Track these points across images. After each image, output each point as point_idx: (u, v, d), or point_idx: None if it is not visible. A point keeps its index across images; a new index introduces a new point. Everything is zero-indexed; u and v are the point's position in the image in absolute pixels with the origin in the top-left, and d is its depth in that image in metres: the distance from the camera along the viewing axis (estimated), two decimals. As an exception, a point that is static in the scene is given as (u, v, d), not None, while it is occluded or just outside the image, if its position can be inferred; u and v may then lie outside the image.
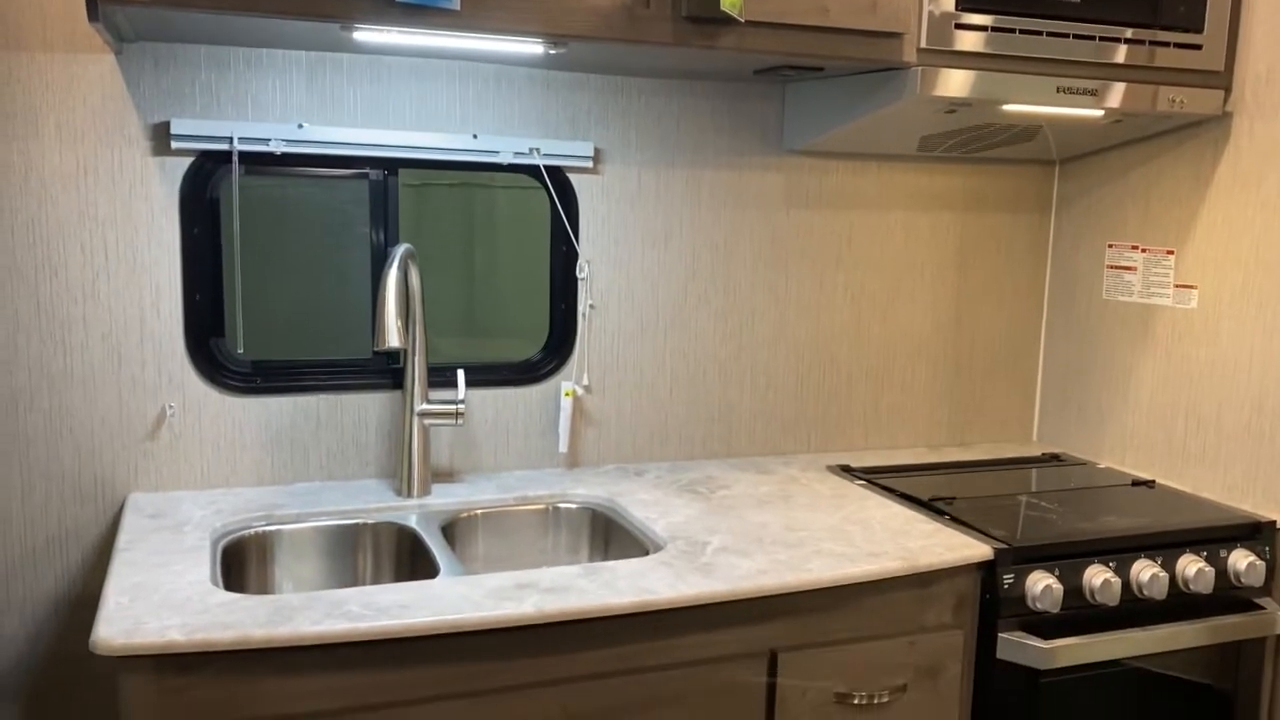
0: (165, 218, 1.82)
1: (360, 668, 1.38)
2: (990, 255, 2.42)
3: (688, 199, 2.15)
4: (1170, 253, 2.15)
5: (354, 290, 2.00)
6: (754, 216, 2.21)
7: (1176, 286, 2.14)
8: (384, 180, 1.96)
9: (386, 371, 2.00)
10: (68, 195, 1.77)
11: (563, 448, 2.11)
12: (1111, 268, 2.29)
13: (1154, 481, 2.16)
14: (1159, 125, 2.11)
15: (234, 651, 1.32)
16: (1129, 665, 1.84)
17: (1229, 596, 1.89)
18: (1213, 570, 1.84)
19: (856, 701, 1.64)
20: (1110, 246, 2.29)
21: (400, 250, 1.79)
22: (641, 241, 2.13)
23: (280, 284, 1.96)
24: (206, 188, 1.85)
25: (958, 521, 1.85)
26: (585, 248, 2.09)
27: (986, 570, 1.74)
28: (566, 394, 2.10)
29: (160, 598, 1.41)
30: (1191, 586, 1.84)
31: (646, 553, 1.72)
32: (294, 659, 1.35)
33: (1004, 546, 1.74)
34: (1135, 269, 2.23)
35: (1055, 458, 2.36)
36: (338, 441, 1.97)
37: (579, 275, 2.10)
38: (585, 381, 2.14)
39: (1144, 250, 2.21)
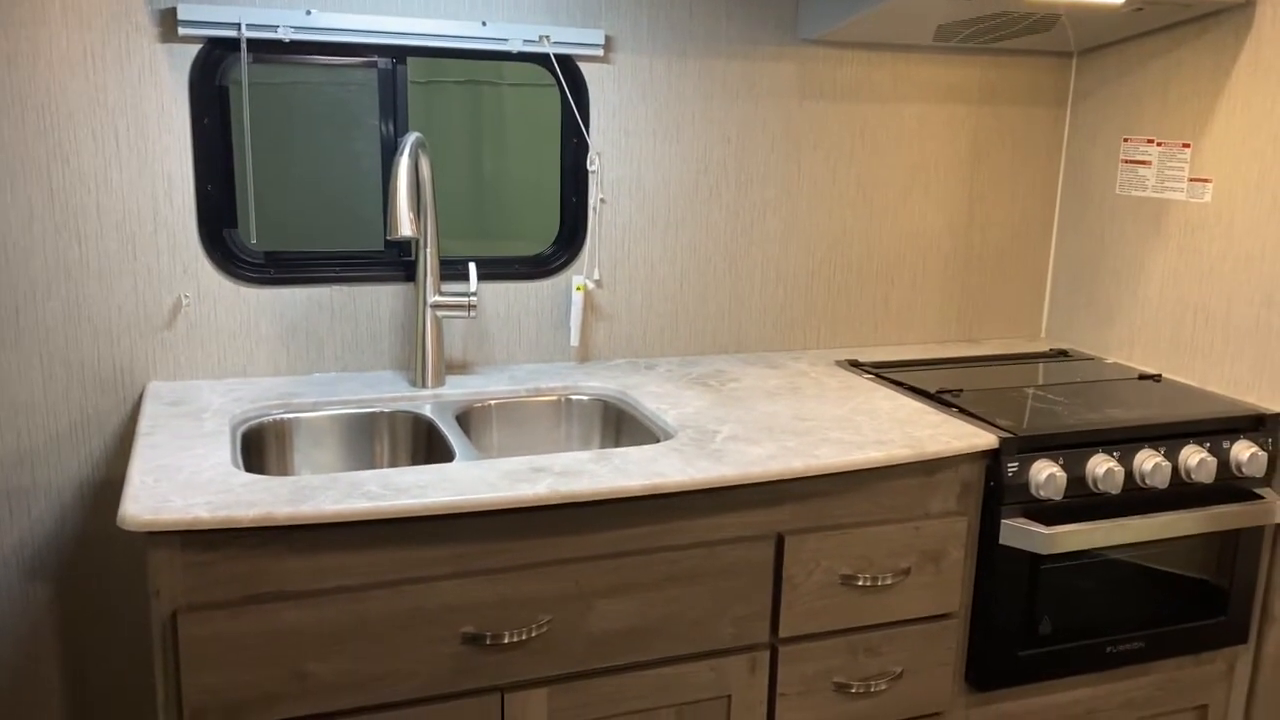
0: (175, 106, 1.81)
1: (380, 546, 1.42)
2: (1004, 150, 2.40)
3: (700, 89, 2.13)
4: (1186, 146, 2.13)
5: (365, 182, 2.00)
6: (767, 108, 2.19)
7: (1191, 180, 2.13)
8: (393, 69, 1.94)
9: (399, 264, 2.01)
10: (76, 82, 1.76)
11: (574, 341, 2.13)
12: (1126, 162, 2.27)
13: (1160, 375, 2.18)
14: (1180, 14, 2.07)
15: (258, 529, 1.36)
16: (1127, 557, 1.88)
17: (1230, 487, 1.92)
18: (1215, 460, 1.86)
19: (861, 583, 1.69)
20: (1126, 140, 2.27)
21: (411, 139, 1.78)
22: (653, 133, 2.12)
23: (292, 175, 1.95)
24: (215, 76, 1.84)
25: (964, 412, 1.87)
26: (595, 139, 2.08)
27: (991, 459, 1.77)
28: (577, 288, 2.11)
29: (184, 478, 1.44)
30: (1193, 476, 1.86)
31: (658, 441, 1.75)
32: (316, 536, 1.39)
33: (1009, 435, 1.76)
34: (1150, 163, 2.21)
35: (1063, 353, 2.37)
36: (352, 333, 1.99)
37: (589, 168, 2.09)
38: (596, 276, 2.14)
39: (1160, 144, 2.19)
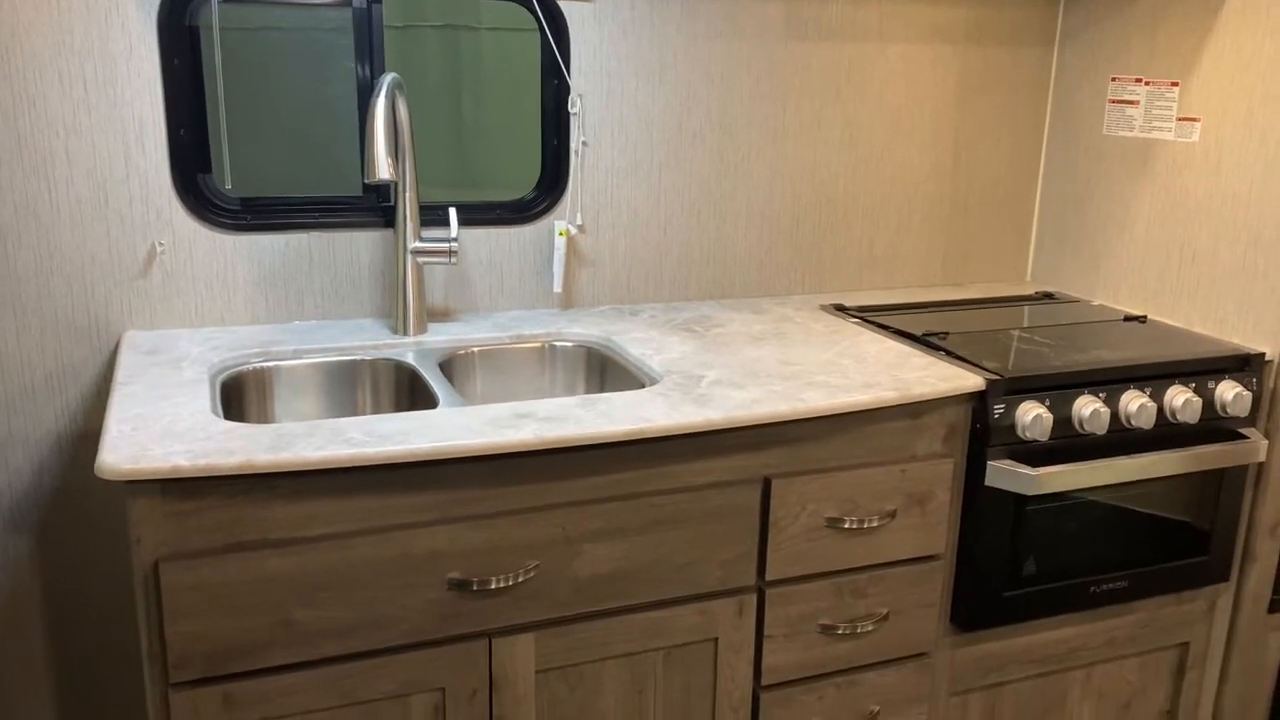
0: (144, 47, 1.76)
1: (364, 493, 1.41)
2: (991, 91, 2.37)
3: (683, 28, 2.09)
4: (1175, 85, 2.11)
5: (342, 126, 1.96)
6: (752, 48, 2.15)
7: (1179, 120, 2.11)
8: (368, 8, 1.89)
9: (378, 209, 1.97)
10: (40, 21, 1.70)
11: (557, 288, 2.10)
12: (1114, 102, 2.25)
13: (1146, 317, 2.17)
14: (1171, -51, 2.04)
15: (238, 476, 1.34)
16: (1112, 498, 1.89)
17: (1214, 427, 1.92)
18: (1200, 400, 1.87)
19: (847, 525, 1.69)
20: (1113, 80, 2.24)
21: (387, 80, 1.74)
22: (635, 74, 2.08)
23: (267, 120, 1.91)
24: (185, 15, 1.79)
25: (951, 355, 1.87)
26: (577, 81, 2.04)
27: (978, 401, 1.76)
28: (560, 234, 2.08)
29: (163, 427, 1.42)
30: (1178, 416, 1.87)
31: (643, 387, 1.74)
32: (299, 484, 1.38)
33: (996, 377, 1.76)
34: (1138, 103, 2.19)
35: (1049, 296, 2.36)
36: (331, 280, 1.96)
37: (571, 110, 2.05)
38: (579, 221, 2.11)
39: (1148, 83, 2.17)
